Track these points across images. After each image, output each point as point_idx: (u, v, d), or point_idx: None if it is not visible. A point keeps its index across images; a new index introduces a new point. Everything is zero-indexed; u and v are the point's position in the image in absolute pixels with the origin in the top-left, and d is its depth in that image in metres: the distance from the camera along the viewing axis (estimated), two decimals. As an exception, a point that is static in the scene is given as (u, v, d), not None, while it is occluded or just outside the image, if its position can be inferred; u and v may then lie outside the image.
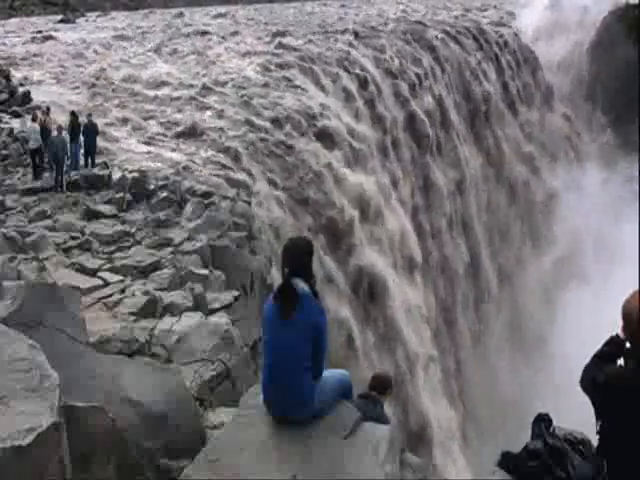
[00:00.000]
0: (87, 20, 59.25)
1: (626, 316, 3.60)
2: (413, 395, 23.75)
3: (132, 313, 9.89)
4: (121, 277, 11.67)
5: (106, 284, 11.29)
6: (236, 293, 11.97)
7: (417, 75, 33.71)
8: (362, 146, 27.10)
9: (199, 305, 10.64)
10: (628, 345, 3.68)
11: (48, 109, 20.95)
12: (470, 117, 37.33)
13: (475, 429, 28.25)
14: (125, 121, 23.78)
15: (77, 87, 27.51)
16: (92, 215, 15.58)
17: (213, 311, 10.80)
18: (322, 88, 28.64)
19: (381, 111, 30.18)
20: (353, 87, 29.73)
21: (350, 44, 33.94)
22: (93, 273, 11.84)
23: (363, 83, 30.45)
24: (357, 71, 30.87)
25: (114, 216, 15.61)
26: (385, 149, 29.31)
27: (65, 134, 18.92)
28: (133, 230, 14.44)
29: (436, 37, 37.83)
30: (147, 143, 22.15)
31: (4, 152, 20.47)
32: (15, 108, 23.98)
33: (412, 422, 23.42)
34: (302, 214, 22.02)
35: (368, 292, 23.77)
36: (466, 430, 27.40)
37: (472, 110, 37.42)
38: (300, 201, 22.27)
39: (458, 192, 33.65)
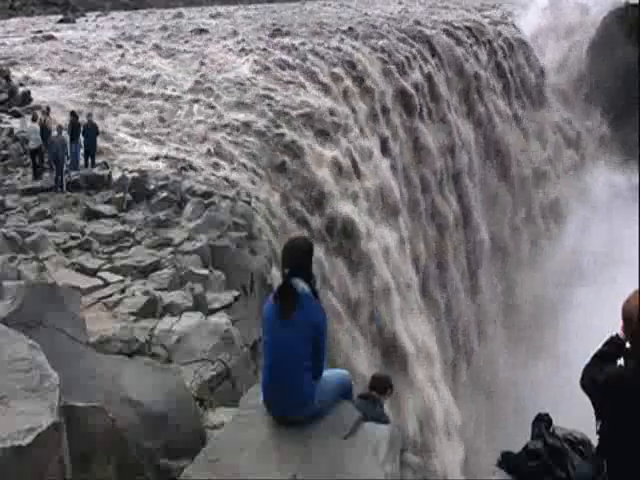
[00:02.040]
0: (87, 20, 59.17)
1: (626, 316, 3.60)
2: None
3: (132, 313, 9.90)
4: (121, 277, 11.68)
5: (106, 284, 11.29)
6: (236, 293, 11.98)
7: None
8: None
9: (199, 305, 10.64)
10: (628, 345, 3.68)
11: (48, 109, 20.95)
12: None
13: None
14: (125, 121, 23.78)
15: (77, 87, 27.50)
16: (92, 215, 15.59)
17: (213, 311, 10.81)
18: (323, 88, 28.62)
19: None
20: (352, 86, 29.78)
21: (351, 45, 33.93)
22: (93, 273, 11.85)
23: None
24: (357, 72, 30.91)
25: (114, 216, 15.62)
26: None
27: (65, 134, 18.93)
28: (133, 230, 14.45)
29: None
30: (147, 143, 22.15)
31: (4, 152, 20.48)
32: (15, 108, 23.97)
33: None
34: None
35: (342, 232, 23.51)
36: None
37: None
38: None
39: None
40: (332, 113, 26.74)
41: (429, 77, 34.75)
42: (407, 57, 34.29)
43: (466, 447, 26.04)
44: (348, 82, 29.92)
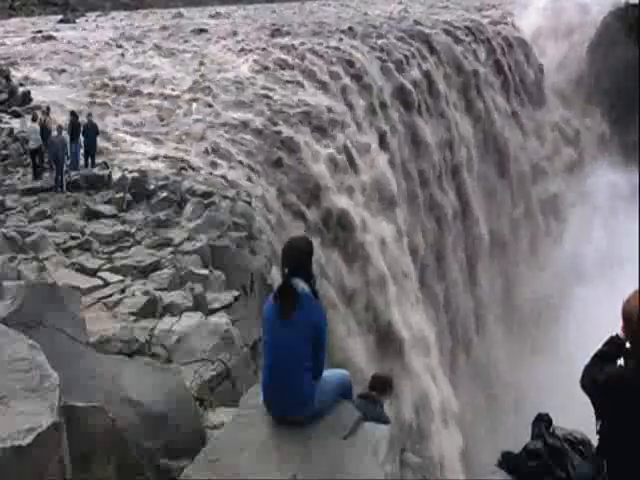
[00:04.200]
0: (87, 20, 59.20)
1: (626, 316, 3.60)
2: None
3: (132, 313, 9.89)
4: (121, 277, 11.66)
5: (106, 284, 11.28)
6: (236, 293, 11.97)
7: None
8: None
9: (199, 305, 10.64)
10: (628, 345, 3.68)
11: (48, 109, 20.94)
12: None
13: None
14: (125, 121, 23.78)
15: (77, 87, 27.51)
16: (92, 215, 15.58)
17: (213, 311, 10.80)
18: (323, 88, 28.64)
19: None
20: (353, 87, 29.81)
21: (350, 44, 33.93)
22: (93, 273, 11.84)
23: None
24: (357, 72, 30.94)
25: (114, 216, 15.60)
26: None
27: (65, 134, 18.93)
28: (133, 230, 14.44)
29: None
30: (147, 143, 22.15)
31: (4, 152, 20.49)
32: (15, 108, 23.98)
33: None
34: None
35: (337, 224, 23.61)
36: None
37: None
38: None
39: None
40: (330, 111, 26.75)
41: (427, 74, 34.79)
42: (406, 55, 34.34)
43: (465, 436, 26.11)
44: (347, 80, 29.95)
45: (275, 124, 24.20)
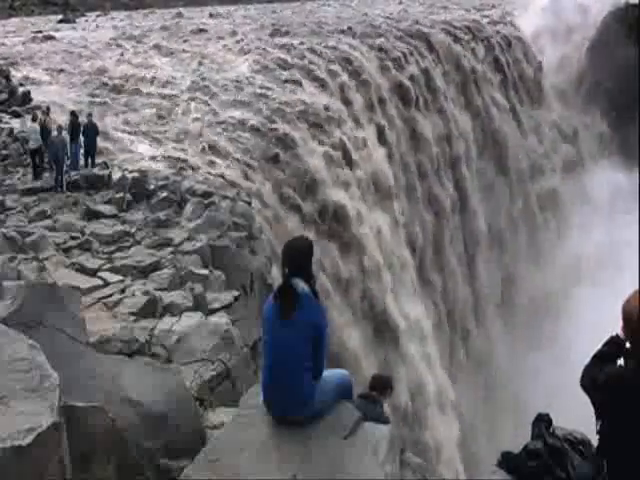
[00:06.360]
0: (87, 20, 59.14)
1: (626, 316, 3.60)
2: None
3: (132, 313, 9.90)
4: (121, 277, 11.67)
5: (106, 284, 11.29)
6: (236, 293, 11.97)
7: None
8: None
9: (199, 305, 10.64)
10: (628, 345, 3.68)
11: (48, 109, 20.95)
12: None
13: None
14: (125, 120, 23.77)
15: (77, 87, 27.50)
16: (92, 215, 15.58)
17: (213, 311, 10.81)
18: (322, 86, 28.67)
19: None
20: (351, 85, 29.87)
21: (349, 43, 33.96)
22: (93, 273, 11.85)
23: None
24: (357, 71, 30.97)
25: (114, 216, 15.61)
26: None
27: (65, 134, 18.93)
28: (133, 230, 14.44)
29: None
30: (146, 143, 22.15)
31: (4, 152, 20.49)
32: (15, 108, 23.98)
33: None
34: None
35: (333, 217, 23.76)
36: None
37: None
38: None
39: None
40: (328, 109, 26.78)
41: (426, 71, 34.83)
42: (404, 53, 34.39)
43: (462, 425, 26.15)
44: (345, 78, 29.98)
45: (273, 122, 24.20)
